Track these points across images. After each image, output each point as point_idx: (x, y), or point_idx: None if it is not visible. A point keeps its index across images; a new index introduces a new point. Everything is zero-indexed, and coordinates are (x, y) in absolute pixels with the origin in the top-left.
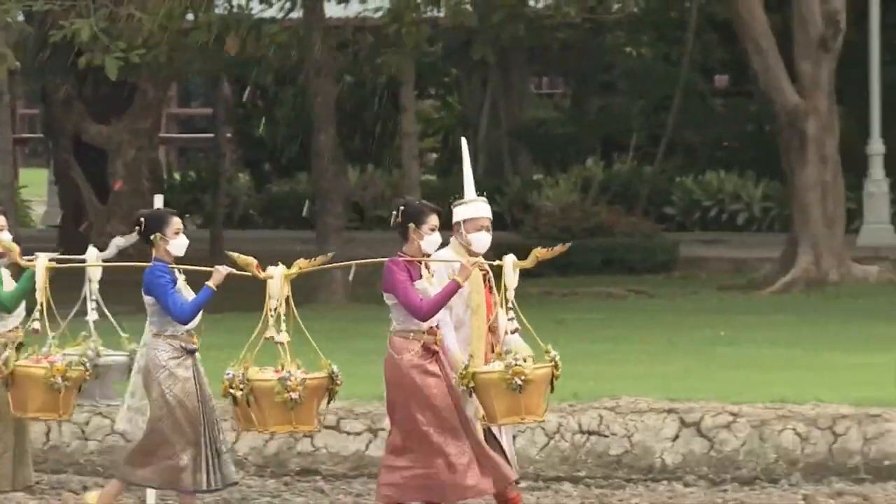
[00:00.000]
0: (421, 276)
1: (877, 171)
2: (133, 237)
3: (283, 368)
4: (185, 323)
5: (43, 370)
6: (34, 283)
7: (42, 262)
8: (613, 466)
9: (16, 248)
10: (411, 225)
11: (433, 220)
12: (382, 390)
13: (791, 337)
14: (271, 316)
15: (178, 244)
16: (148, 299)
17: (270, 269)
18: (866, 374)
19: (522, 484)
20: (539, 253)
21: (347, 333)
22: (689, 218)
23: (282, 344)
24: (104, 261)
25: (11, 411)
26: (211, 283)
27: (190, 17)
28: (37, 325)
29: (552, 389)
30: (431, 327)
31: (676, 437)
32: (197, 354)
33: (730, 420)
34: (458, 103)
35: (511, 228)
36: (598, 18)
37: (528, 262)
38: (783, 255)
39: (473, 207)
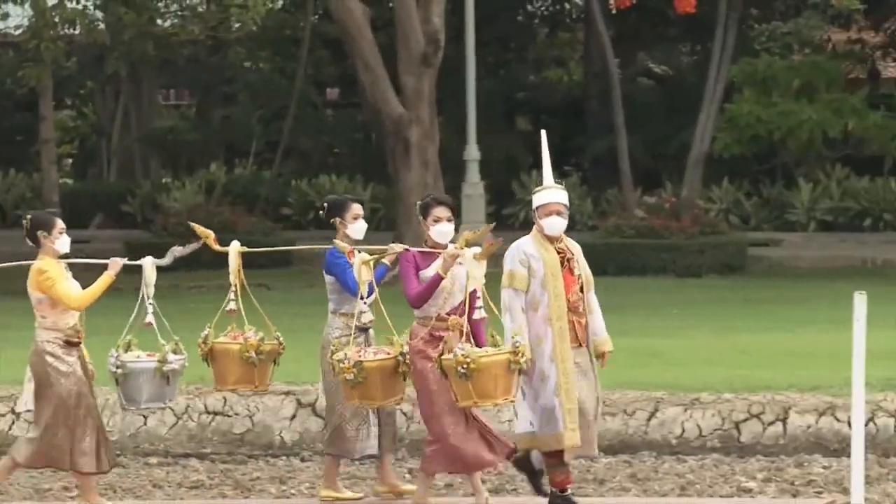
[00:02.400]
0: (429, 266)
1: (473, 174)
2: (192, 247)
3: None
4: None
5: (238, 346)
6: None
7: (235, 247)
8: (237, 443)
9: (211, 234)
10: (420, 218)
11: (437, 211)
12: (23, 375)
13: None
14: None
15: (356, 228)
16: (328, 278)
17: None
18: None
19: (152, 459)
20: (484, 245)
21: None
22: (304, 217)
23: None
24: (174, 259)
25: (214, 385)
26: (386, 261)
27: None
28: (232, 305)
29: (521, 373)
30: (440, 314)
31: (294, 416)
32: (371, 331)
33: None
34: (93, 113)
35: (143, 227)
36: (220, 36)
37: (483, 254)
38: None
39: (545, 194)
